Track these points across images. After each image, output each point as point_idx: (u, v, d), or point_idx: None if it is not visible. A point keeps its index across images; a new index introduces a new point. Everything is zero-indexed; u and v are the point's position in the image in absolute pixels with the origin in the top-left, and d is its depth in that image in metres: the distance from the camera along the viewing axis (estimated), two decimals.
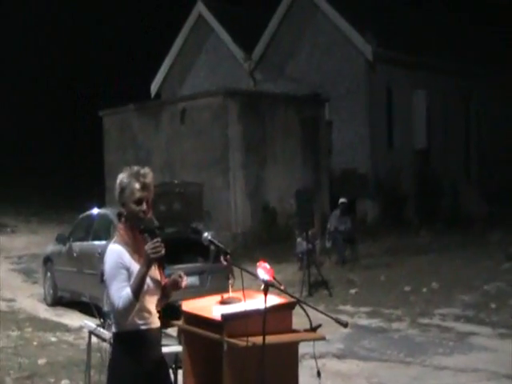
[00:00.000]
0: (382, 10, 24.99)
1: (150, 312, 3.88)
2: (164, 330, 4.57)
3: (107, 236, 11.84)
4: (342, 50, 22.15)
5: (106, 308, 10.18)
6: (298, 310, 4.46)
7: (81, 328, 10.92)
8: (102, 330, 6.64)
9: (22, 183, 32.24)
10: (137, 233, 3.87)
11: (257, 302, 4.39)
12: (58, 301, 13.25)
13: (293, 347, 4.42)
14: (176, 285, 3.96)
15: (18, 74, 37.98)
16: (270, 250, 16.73)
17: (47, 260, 13.69)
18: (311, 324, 4.42)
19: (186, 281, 3.99)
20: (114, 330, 3.95)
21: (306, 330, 4.47)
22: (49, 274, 13.48)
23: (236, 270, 4.65)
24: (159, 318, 3.98)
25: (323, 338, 4.46)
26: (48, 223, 26.84)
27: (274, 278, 4.31)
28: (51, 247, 13.96)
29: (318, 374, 4.41)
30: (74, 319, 11.84)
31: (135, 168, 3.93)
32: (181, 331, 6.02)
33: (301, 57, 23.14)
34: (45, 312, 12.75)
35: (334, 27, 22.22)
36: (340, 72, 22.08)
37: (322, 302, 12.11)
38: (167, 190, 12.16)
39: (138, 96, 24.95)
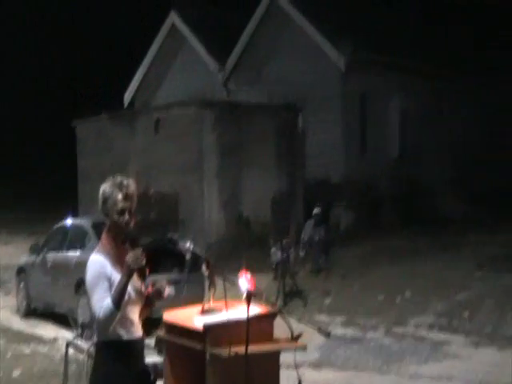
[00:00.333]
0: (355, 12, 25.13)
1: (132, 322, 3.89)
2: None
3: (82, 246, 11.81)
4: (314, 58, 22.26)
5: (81, 319, 10.16)
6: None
7: (55, 339, 10.88)
8: (79, 341, 6.62)
9: None
10: (119, 243, 3.88)
11: (238, 311, 4.41)
12: (31, 312, 13.13)
13: (275, 356, 4.45)
14: (159, 294, 3.99)
15: None
16: (245, 259, 16.72)
17: (20, 271, 13.57)
18: (292, 333, 4.46)
19: (170, 290, 4.02)
20: (96, 339, 3.95)
21: (287, 339, 4.50)
22: (22, 284, 13.35)
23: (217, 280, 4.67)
24: (142, 327, 4.00)
25: (305, 347, 4.50)
26: (19, 234, 26.56)
27: (256, 288, 4.34)
28: (25, 258, 13.84)
29: (299, 383, 4.44)
30: (48, 330, 11.77)
31: (118, 178, 3.95)
32: (158, 341, 6.03)
33: (274, 66, 23.24)
34: (18, 323, 12.64)
35: (307, 36, 22.35)
36: (313, 80, 22.19)
37: (297, 311, 12.15)
38: (143, 199, 12.16)
39: (111, 105, 24.86)
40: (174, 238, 12.03)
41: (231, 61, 24.11)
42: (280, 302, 12.65)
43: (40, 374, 8.75)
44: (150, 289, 3.91)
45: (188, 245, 4.37)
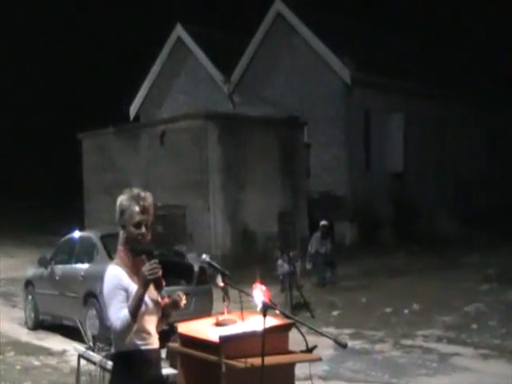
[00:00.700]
0: (359, 35, 25.37)
1: (149, 332, 3.93)
2: None
3: (90, 259, 11.85)
4: (319, 73, 22.40)
5: (89, 331, 10.17)
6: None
7: (64, 351, 10.89)
8: (91, 353, 6.64)
9: None
10: (136, 255, 3.92)
11: (253, 323, 4.44)
12: (39, 324, 13.14)
13: (290, 368, 4.48)
14: (176, 305, 4.02)
15: None
16: (250, 272, 16.72)
17: (28, 283, 13.58)
18: (307, 345, 4.49)
19: (185, 301, 4.06)
20: (113, 350, 4.00)
21: (302, 351, 4.53)
22: (30, 297, 13.36)
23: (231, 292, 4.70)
24: (159, 338, 4.03)
25: (319, 359, 4.53)
26: (25, 247, 26.61)
27: (270, 300, 4.37)
28: (32, 270, 13.85)
29: None
30: (57, 343, 11.77)
31: (135, 191, 3.97)
32: (170, 353, 6.05)
33: (279, 80, 23.36)
34: (26, 336, 12.62)
35: (312, 51, 22.49)
36: (318, 96, 22.32)
37: (304, 323, 12.12)
38: None
39: (117, 119, 24.98)
40: (181, 251, 12.06)
41: (237, 73, 24.23)
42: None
43: None
44: (166, 300, 3.94)
45: (204, 257, 4.39)
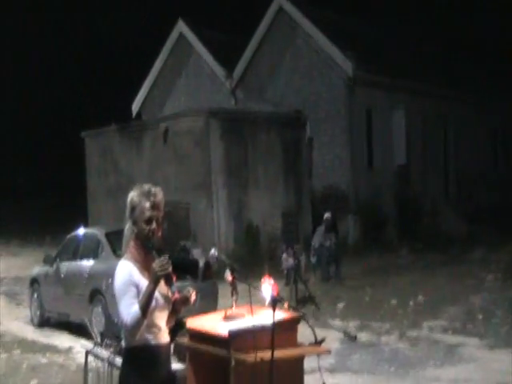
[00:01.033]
0: (361, 32, 25.35)
1: (159, 328, 3.94)
2: None
3: (95, 256, 11.87)
4: (321, 72, 22.37)
5: (95, 328, 10.19)
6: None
7: (71, 349, 10.92)
8: (98, 349, 6.66)
9: (1, 206, 32.01)
10: (146, 250, 3.93)
11: (262, 317, 4.45)
12: (45, 322, 13.17)
13: (299, 361, 4.49)
14: (186, 300, 4.04)
15: None
16: (254, 271, 16.73)
17: (34, 281, 13.61)
18: (316, 338, 4.50)
19: (195, 296, 4.07)
20: (123, 345, 4.02)
21: (310, 344, 4.54)
22: (35, 295, 13.39)
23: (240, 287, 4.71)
24: (169, 333, 4.05)
25: (329, 352, 4.55)
26: (29, 246, 26.71)
27: (278, 294, 4.39)
28: (37, 268, 13.89)
29: None
30: (63, 340, 11.80)
31: (146, 186, 3.99)
32: (178, 348, 6.07)
33: (281, 79, 23.34)
34: (32, 334, 12.65)
35: (315, 49, 22.46)
36: (320, 94, 22.30)
37: (310, 317, 12.15)
38: None
39: (119, 116, 24.96)
40: (186, 247, 12.07)
41: (239, 69, 24.19)
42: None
43: None
44: (176, 295, 3.96)
45: (213, 251, 4.40)
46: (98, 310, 11.14)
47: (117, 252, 10.94)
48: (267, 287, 4.28)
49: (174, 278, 3.91)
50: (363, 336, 10.75)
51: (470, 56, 29.80)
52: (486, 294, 12.85)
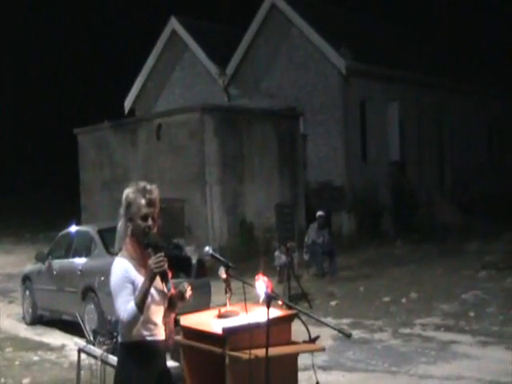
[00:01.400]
0: (355, 24, 25.33)
1: (155, 323, 3.98)
2: None
3: (88, 253, 11.84)
4: (316, 64, 22.37)
5: (88, 325, 10.16)
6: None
7: (63, 346, 10.89)
8: (91, 347, 6.63)
9: None
10: (142, 247, 3.95)
11: (256, 314, 4.44)
12: (37, 320, 13.13)
13: (293, 359, 4.49)
14: (181, 296, 4.07)
15: None
16: (249, 265, 16.76)
17: (26, 279, 13.56)
18: (310, 335, 4.49)
19: (191, 292, 4.09)
20: (120, 340, 4.05)
21: (304, 342, 4.53)
22: (28, 292, 13.35)
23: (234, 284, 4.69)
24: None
25: (323, 349, 4.54)
26: (21, 243, 26.66)
27: (272, 291, 4.37)
28: (30, 266, 13.86)
29: None
30: (56, 338, 11.77)
31: (141, 184, 4.02)
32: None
33: (275, 72, 23.32)
34: (25, 331, 12.62)
35: (309, 42, 22.44)
36: (314, 86, 22.30)
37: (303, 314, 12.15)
38: None
39: (112, 112, 24.91)
40: (179, 244, 12.06)
41: (232, 66, 24.17)
42: (285, 306, 12.63)
43: (50, 382, 8.76)
44: (173, 290, 3.97)
45: (207, 249, 4.39)
46: (91, 307, 11.11)
47: (109, 249, 10.92)
48: (261, 284, 4.27)
49: (170, 275, 3.92)
50: (356, 333, 10.75)
51: (465, 47, 29.81)
52: (480, 288, 12.89)
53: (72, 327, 11.19)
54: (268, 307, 4.03)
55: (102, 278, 10.46)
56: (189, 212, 17.53)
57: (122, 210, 4.01)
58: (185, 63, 25.75)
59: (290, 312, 4.57)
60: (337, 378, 8.34)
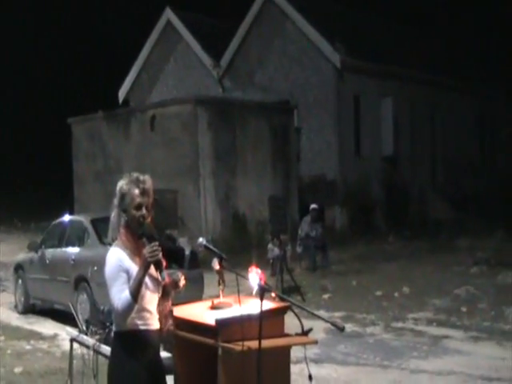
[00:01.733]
0: (349, 20, 25.32)
1: (150, 312, 4.00)
2: None
3: (81, 242, 11.82)
4: (310, 58, 22.35)
5: (80, 315, 10.15)
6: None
7: (55, 335, 10.88)
8: (84, 336, 6.62)
9: None
10: (137, 237, 3.96)
11: (249, 306, 4.44)
12: (29, 309, 13.11)
13: (285, 351, 4.49)
14: (175, 285, 4.10)
15: None
16: (241, 257, 16.76)
17: (18, 268, 13.53)
18: (303, 328, 4.49)
19: (184, 281, 4.11)
20: (114, 329, 4.07)
21: (297, 334, 4.54)
22: (20, 281, 13.32)
23: (227, 276, 4.69)
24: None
25: (315, 342, 4.54)
26: (13, 232, 26.59)
27: (266, 283, 4.38)
28: (22, 255, 13.82)
29: (310, 377, 4.47)
30: (48, 327, 11.75)
31: (134, 175, 4.06)
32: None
33: (269, 65, 23.29)
34: (17, 320, 12.59)
35: (303, 36, 22.41)
36: (308, 80, 22.29)
37: (296, 307, 12.16)
38: None
39: (106, 102, 24.83)
40: (172, 235, 12.05)
41: (226, 58, 24.14)
42: (277, 299, 12.65)
43: (42, 371, 8.74)
44: (167, 279, 3.99)
45: (201, 240, 4.39)
46: (84, 297, 11.10)
47: (102, 239, 10.90)
48: (255, 276, 4.27)
49: (164, 265, 3.94)
50: (348, 327, 10.76)
51: (459, 45, 29.85)
52: (472, 284, 12.93)
53: (64, 317, 11.17)
54: (261, 299, 4.03)
55: (95, 268, 10.45)
56: (182, 204, 17.53)
57: (115, 201, 4.04)
58: (179, 54, 25.70)
59: (283, 304, 4.57)
60: (328, 372, 8.36)
